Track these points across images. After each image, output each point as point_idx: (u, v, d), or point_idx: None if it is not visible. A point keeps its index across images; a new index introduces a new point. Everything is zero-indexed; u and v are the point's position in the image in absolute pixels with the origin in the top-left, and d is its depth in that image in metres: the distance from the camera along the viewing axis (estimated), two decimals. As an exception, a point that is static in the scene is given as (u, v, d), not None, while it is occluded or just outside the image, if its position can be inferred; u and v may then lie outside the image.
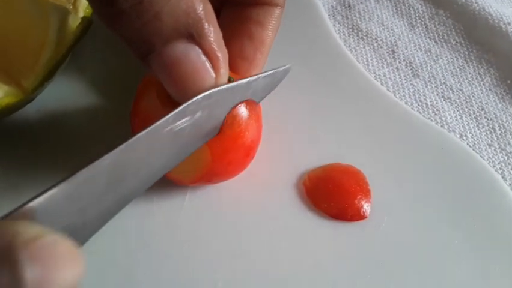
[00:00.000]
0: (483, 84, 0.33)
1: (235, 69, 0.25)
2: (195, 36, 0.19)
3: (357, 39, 0.35)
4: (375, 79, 0.33)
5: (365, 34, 0.36)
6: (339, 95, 0.31)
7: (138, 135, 0.17)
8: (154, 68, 0.19)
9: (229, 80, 0.21)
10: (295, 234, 0.25)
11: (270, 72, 0.23)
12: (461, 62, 0.34)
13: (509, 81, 0.33)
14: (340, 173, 0.27)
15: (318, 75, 0.32)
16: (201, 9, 0.19)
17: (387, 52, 0.35)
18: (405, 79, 0.33)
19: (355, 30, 0.36)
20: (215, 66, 0.19)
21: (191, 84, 0.19)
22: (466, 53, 0.34)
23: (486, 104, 0.32)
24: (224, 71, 0.20)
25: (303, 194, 0.27)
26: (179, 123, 0.19)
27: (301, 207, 0.26)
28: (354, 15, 0.37)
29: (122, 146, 0.17)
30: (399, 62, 0.34)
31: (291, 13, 0.34)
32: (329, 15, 0.36)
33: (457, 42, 0.35)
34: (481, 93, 0.32)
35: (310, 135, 0.29)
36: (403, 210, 0.26)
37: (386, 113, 0.30)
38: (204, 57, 0.19)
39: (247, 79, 0.22)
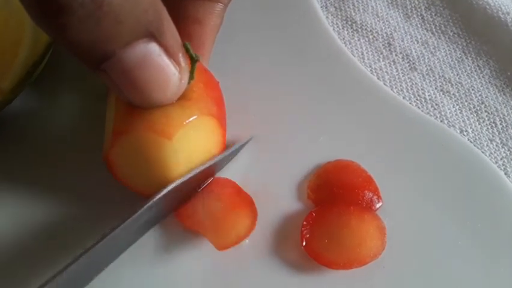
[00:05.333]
0: (482, 77, 0.32)
1: None
2: (154, 34, 0.17)
3: (352, 32, 0.34)
4: (372, 73, 0.32)
5: (359, 26, 0.34)
6: (334, 91, 0.30)
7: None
8: (112, 75, 0.17)
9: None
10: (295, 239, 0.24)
11: (232, 149, 0.23)
12: (460, 54, 0.33)
13: (509, 73, 0.32)
14: (339, 169, 0.26)
15: (312, 70, 0.30)
16: (158, 3, 0.17)
17: (383, 45, 0.33)
18: (402, 72, 0.32)
19: (349, 22, 0.35)
20: (177, 62, 0.18)
21: (156, 86, 0.17)
22: (464, 44, 0.33)
23: (486, 97, 0.31)
24: (185, 65, 0.18)
25: (309, 203, 0.26)
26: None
27: (304, 209, 0.25)
28: (348, 7, 0.35)
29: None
30: (396, 55, 0.33)
31: (281, 4, 0.33)
32: (321, 6, 0.35)
33: (454, 33, 0.34)
34: (481, 86, 0.31)
35: (306, 134, 0.28)
36: (403, 210, 0.26)
37: (383, 109, 0.29)
38: (165, 55, 0.17)
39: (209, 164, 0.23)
